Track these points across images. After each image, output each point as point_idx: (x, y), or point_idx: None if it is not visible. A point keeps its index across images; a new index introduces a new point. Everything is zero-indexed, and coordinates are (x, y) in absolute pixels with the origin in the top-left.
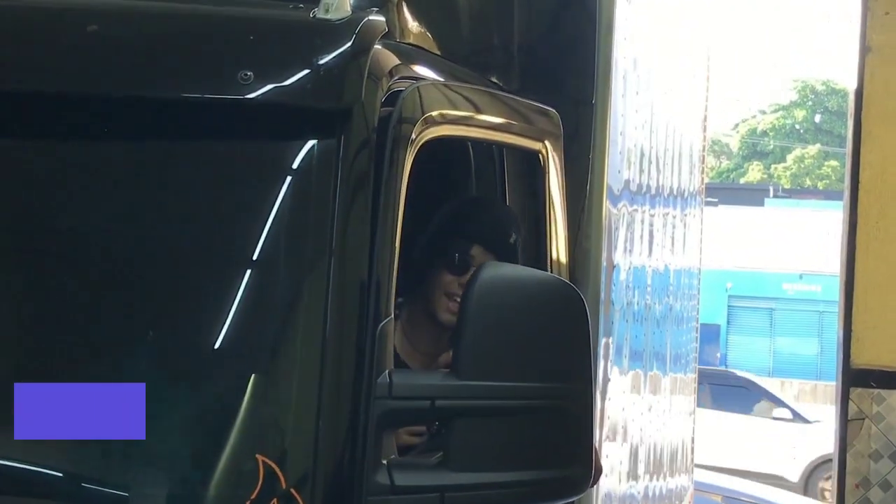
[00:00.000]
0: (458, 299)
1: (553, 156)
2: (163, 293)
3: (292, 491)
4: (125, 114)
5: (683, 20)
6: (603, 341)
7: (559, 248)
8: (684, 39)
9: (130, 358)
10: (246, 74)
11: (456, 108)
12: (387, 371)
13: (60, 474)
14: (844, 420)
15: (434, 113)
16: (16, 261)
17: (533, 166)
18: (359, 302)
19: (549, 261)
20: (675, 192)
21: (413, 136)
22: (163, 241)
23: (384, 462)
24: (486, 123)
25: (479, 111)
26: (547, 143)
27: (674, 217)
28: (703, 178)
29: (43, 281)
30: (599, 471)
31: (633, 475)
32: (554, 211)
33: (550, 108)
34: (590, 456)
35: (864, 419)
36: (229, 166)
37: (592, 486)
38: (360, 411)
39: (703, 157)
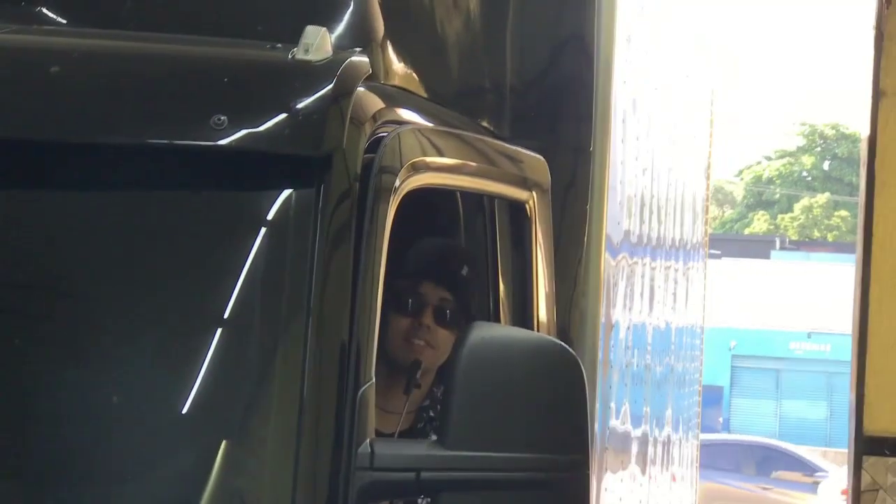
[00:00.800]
0: (419, 341)
1: (540, 206)
2: (125, 356)
3: None
4: (88, 161)
5: (685, 61)
6: (600, 406)
7: (547, 305)
8: (686, 81)
9: (92, 424)
10: (219, 119)
11: (440, 156)
12: (368, 440)
13: None
14: (857, 491)
15: (417, 160)
16: None
17: (519, 217)
18: (338, 366)
19: (535, 319)
20: (676, 244)
21: (396, 184)
22: (126, 299)
23: None
24: (472, 171)
25: (464, 158)
26: (534, 192)
27: (676, 270)
28: (706, 230)
29: (3, 338)
30: None
31: None
32: (541, 265)
33: (538, 155)
34: None
35: (878, 490)
36: (200, 217)
37: None
38: (340, 484)
39: (707, 206)
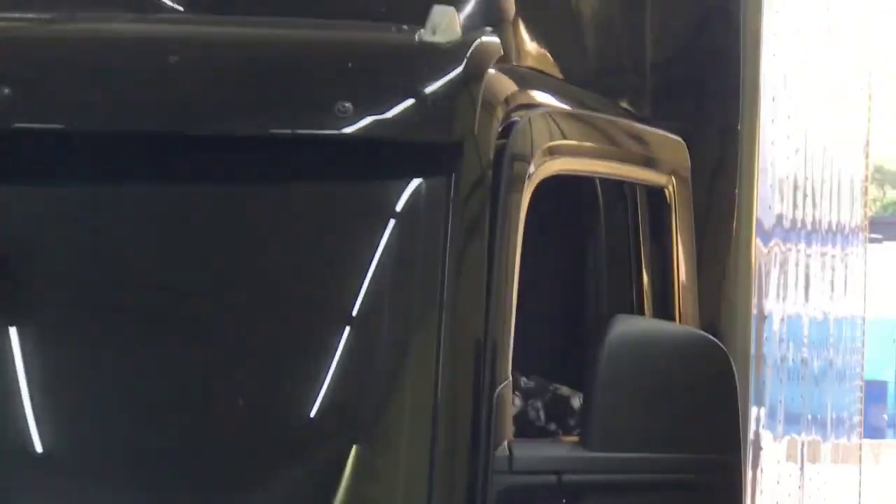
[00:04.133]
0: None
1: (679, 191)
2: (253, 354)
3: None
4: (212, 152)
5: (840, 33)
6: (753, 403)
7: (688, 295)
8: (841, 54)
9: (218, 425)
10: (344, 106)
11: (575, 140)
12: (506, 442)
13: None
14: None
15: (551, 145)
16: (98, 318)
17: (658, 203)
18: (474, 363)
19: (676, 310)
20: (833, 229)
21: (530, 171)
22: (253, 295)
23: None
24: (607, 155)
25: (599, 142)
26: (673, 177)
27: (833, 257)
28: (865, 212)
29: (125, 339)
30: None
31: None
32: (681, 253)
33: (677, 137)
34: None
35: None
36: (327, 210)
37: None
38: (478, 488)
39: (866, 187)
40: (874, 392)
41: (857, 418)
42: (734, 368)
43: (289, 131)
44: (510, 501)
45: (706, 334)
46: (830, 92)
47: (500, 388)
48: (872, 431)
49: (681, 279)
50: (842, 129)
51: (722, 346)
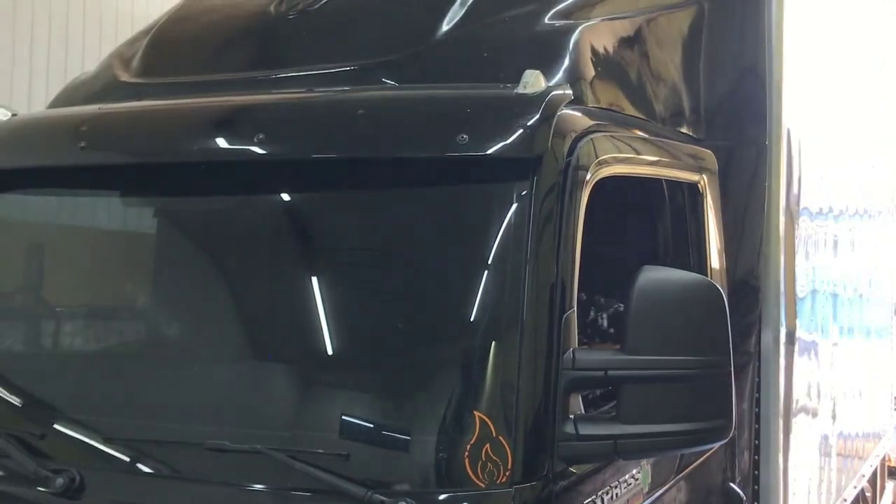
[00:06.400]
0: None
1: (710, 185)
2: (412, 300)
3: (500, 438)
4: (380, 170)
5: (859, 60)
6: (785, 318)
7: (718, 256)
8: (867, 87)
9: (399, 351)
10: (463, 137)
11: (625, 153)
12: (571, 349)
13: (350, 418)
14: None
15: (606, 157)
16: (270, 305)
17: (694, 193)
18: (549, 297)
19: (707, 266)
20: (860, 212)
21: (588, 177)
22: (415, 247)
23: (571, 416)
24: (650, 162)
25: (645, 154)
26: (704, 175)
27: (860, 230)
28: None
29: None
30: None
31: (824, 419)
32: (713, 226)
33: (707, 150)
34: (730, 411)
35: None
36: (455, 200)
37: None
38: (552, 379)
39: None
40: None
41: (888, 326)
42: (725, 300)
43: (433, 154)
44: (573, 388)
45: (706, 278)
46: (859, 116)
47: (567, 313)
48: None
49: (711, 242)
50: (877, 139)
51: (717, 285)
